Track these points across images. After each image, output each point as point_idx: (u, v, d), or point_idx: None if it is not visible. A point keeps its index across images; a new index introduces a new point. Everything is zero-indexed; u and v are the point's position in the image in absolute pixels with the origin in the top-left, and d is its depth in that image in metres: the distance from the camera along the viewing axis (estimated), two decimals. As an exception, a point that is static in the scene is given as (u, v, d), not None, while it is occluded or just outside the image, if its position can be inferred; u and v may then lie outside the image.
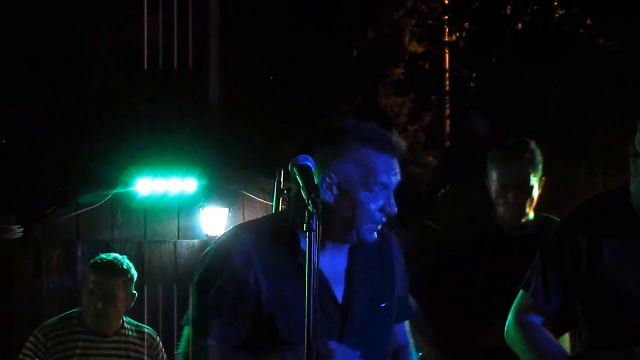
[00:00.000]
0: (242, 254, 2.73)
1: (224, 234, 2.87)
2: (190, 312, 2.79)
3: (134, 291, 4.68)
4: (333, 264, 2.78)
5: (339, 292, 2.79)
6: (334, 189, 2.72)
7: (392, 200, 2.76)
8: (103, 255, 4.68)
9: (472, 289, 4.10)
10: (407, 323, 3.05)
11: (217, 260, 2.76)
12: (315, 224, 2.47)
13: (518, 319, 3.16)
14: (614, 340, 2.98)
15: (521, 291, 3.18)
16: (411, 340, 3.05)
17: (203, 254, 2.85)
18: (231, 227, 2.94)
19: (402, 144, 2.81)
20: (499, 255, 4.10)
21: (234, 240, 2.78)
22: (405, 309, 3.01)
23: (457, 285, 4.13)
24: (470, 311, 4.10)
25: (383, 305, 2.87)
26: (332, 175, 2.72)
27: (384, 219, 2.78)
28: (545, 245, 3.14)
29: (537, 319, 3.13)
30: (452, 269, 4.14)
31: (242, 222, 3.02)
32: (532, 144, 4.10)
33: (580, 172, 7.86)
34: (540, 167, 4.08)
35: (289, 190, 3.67)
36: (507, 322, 3.20)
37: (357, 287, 2.82)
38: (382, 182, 2.74)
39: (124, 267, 4.62)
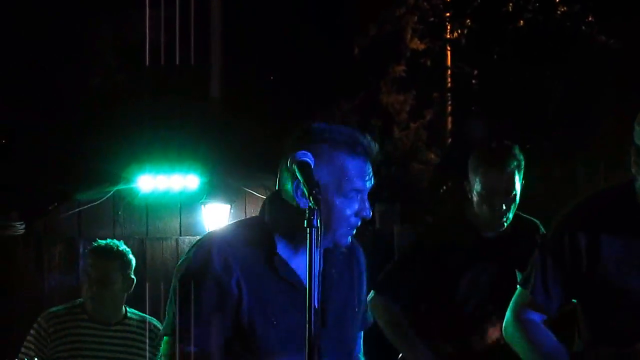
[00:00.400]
0: (221, 259, 2.70)
1: (198, 241, 2.82)
2: (169, 320, 2.75)
3: (133, 276, 4.70)
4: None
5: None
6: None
7: (367, 204, 2.75)
8: (100, 241, 4.73)
9: (455, 290, 4.12)
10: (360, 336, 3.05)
11: (197, 266, 2.72)
12: (316, 220, 2.45)
13: (517, 316, 3.15)
14: (615, 338, 2.98)
15: (520, 288, 3.17)
16: (362, 349, 3.06)
17: (179, 262, 2.80)
18: (205, 234, 2.92)
19: (375, 145, 2.76)
20: (479, 257, 4.13)
21: (211, 246, 2.74)
22: (365, 319, 3.02)
23: (441, 286, 4.15)
24: (458, 312, 4.13)
25: (357, 310, 2.89)
26: None
27: (359, 223, 2.77)
28: (545, 241, 3.13)
29: (536, 316, 3.12)
30: (437, 270, 4.16)
31: (215, 229, 3.00)
32: (516, 149, 4.12)
33: (580, 171, 7.86)
34: (522, 171, 4.11)
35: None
36: (505, 319, 3.20)
37: (330, 291, 2.81)
38: (357, 187, 2.71)
39: (120, 249, 4.66)
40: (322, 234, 2.57)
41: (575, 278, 3.03)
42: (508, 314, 3.19)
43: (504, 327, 3.21)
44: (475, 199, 4.14)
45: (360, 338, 3.03)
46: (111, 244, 4.69)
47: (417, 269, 4.18)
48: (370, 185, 2.75)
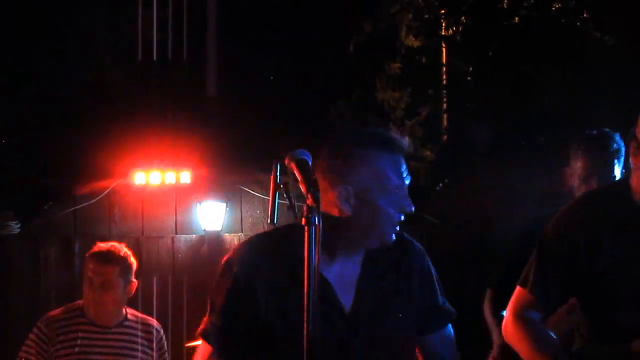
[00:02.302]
0: (244, 271, 2.78)
1: (234, 249, 2.90)
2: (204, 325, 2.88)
3: (134, 279, 4.68)
4: (345, 272, 2.78)
5: (346, 301, 2.78)
6: (352, 201, 2.71)
7: (409, 200, 2.77)
8: (101, 244, 4.69)
9: None
10: (446, 331, 2.96)
11: (222, 277, 2.83)
12: (315, 218, 2.43)
13: (517, 315, 3.11)
14: (614, 335, 2.97)
15: (517, 288, 3.15)
16: (452, 350, 2.97)
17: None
18: (243, 241, 2.98)
19: (406, 140, 2.81)
20: None
21: (238, 257, 2.83)
22: (438, 317, 2.94)
23: None
24: None
25: (400, 315, 2.83)
26: (348, 187, 2.71)
27: (402, 219, 2.78)
28: (542, 240, 3.12)
29: (536, 315, 3.09)
30: None
31: (252, 236, 3.01)
32: (616, 135, 4.17)
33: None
34: (622, 158, 4.16)
35: (285, 184, 3.68)
36: (504, 318, 3.16)
37: (364, 297, 2.79)
38: (397, 184, 2.74)
39: (121, 254, 4.63)
40: (365, 239, 2.68)
41: (574, 276, 3.02)
42: (507, 313, 3.16)
43: (503, 326, 3.17)
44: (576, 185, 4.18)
45: (439, 337, 2.94)
46: (112, 248, 4.65)
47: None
48: (408, 180, 2.78)
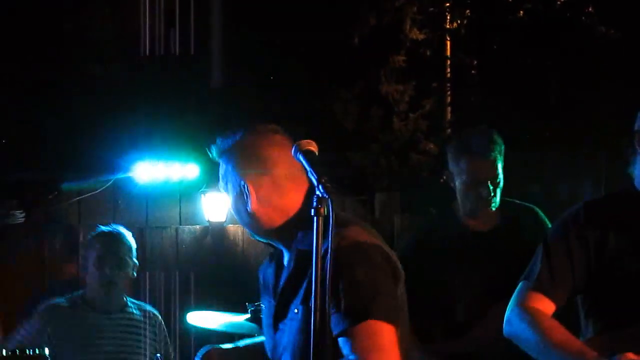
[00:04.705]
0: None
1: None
2: None
3: (135, 260, 4.77)
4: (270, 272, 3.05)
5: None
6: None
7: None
8: (103, 227, 4.76)
9: (445, 292, 4.10)
10: (346, 339, 2.72)
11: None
12: (326, 209, 2.40)
13: (522, 306, 3.06)
14: (625, 326, 2.96)
15: (522, 282, 3.11)
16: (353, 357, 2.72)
17: None
18: None
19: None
20: (470, 255, 4.11)
21: None
22: (336, 324, 2.70)
23: (433, 290, 4.11)
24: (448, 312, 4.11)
25: (295, 311, 2.78)
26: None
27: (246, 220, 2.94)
28: (549, 236, 3.11)
29: (542, 308, 3.06)
30: (430, 273, 4.13)
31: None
32: (495, 133, 4.17)
33: (580, 157, 7.87)
34: (503, 155, 4.17)
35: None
36: (507, 313, 3.10)
37: (278, 294, 2.92)
38: None
39: (127, 235, 4.75)
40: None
41: (582, 270, 3.01)
42: (511, 306, 3.09)
43: (506, 320, 3.08)
44: (459, 188, 4.15)
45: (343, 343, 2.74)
46: (118, 228, 4.75)
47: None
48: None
